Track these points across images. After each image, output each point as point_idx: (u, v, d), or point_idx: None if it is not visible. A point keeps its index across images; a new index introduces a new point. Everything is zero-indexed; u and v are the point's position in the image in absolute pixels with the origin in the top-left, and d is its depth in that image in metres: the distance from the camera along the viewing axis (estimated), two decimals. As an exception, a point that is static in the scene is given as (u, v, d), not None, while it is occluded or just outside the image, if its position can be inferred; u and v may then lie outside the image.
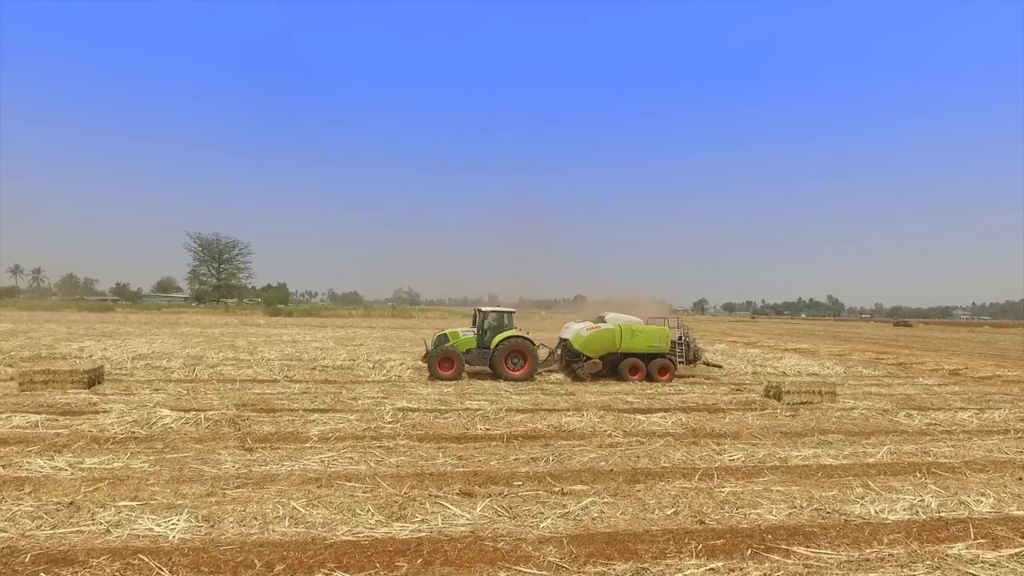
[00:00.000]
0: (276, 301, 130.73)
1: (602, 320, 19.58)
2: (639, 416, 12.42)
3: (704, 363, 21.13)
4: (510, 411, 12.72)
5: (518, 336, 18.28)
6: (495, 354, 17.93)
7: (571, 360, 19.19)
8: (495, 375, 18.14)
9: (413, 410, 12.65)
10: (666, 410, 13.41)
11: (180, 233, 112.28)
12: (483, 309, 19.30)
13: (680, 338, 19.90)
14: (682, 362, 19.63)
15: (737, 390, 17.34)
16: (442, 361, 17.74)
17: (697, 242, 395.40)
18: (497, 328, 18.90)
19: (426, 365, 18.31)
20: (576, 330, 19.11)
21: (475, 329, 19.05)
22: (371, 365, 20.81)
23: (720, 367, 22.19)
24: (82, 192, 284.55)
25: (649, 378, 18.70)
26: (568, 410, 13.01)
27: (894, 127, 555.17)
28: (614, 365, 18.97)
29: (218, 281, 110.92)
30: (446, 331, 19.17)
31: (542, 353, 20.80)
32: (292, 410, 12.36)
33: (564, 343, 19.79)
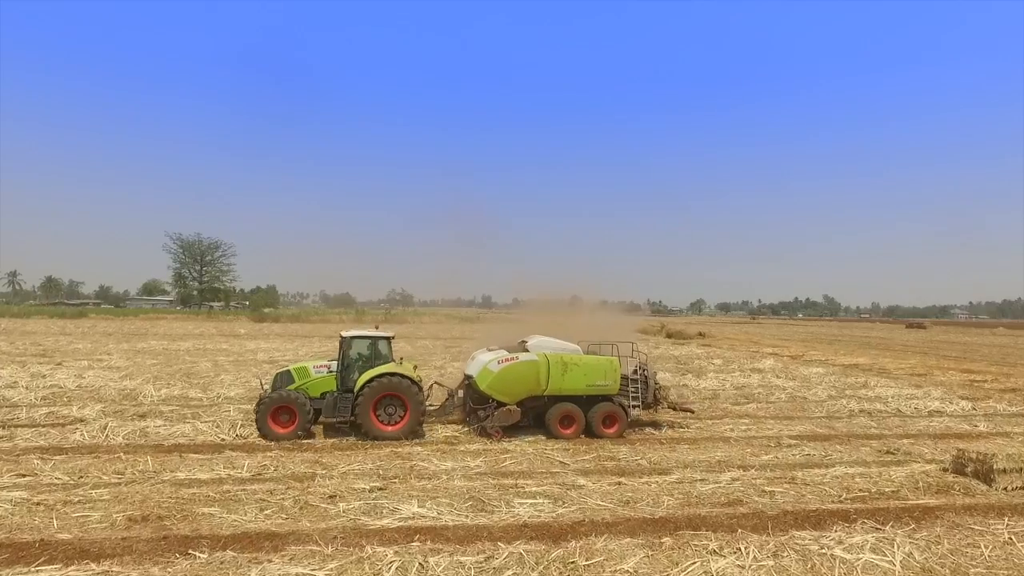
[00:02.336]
0: (263, 304, 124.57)
1: (523, 348, 13.90)
2: (825, 540, 7.13)
3: (671, 407, 14.78)
4: (605, 533, 7.38)
5: (394, 374, 12.43)
6: (359, 400, 12.19)
7: (477, 407, 13.43)
8: (361, 431, 12.32)
9: (433, 532, 7.31)
10: (844, 516, 8.15)
11: (177, 232, 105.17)
12: (346, 334, 13.37)
13: (636, 371, 14.22)
14: (636, 407, 13.82)
15: (888, 454, 12.10)
16: (276, 412, 12.07)
17: (692, 242, 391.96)
18: (366, 361, 13.13)
19: (274, 417, 12.29)
20: (483, 363, 13.26)
21: (335, 363, 13.16)
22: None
23: (692, 412, 15.40)
24: (70, 192, 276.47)
25: (588, 432, 13.02)
26: (696, 528, 7.66)
27: (888, 125, 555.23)
28: (539, 413, 13.32)
29: (200, 284, 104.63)
30: (291, 367, 13.18)
31: (437, 396, 15.18)
32: (219, 539, 6.98)
33: (469, 381, 13.93)
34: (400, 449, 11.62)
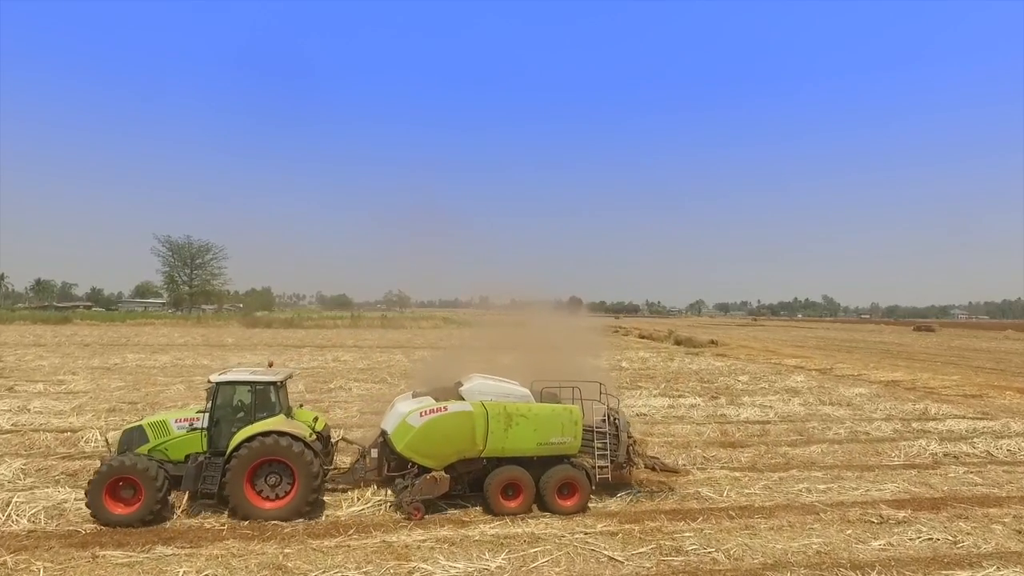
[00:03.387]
0: (258, 307, 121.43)
1: (456, 393, 10.78)
2: None
3: (650, 467, 11.33)
4: None
5: (277, 433, 9.38)
6: (231, 469, 9.19)
7: (395, 473, 10.26)
8: (232, 509, 9.30)
9: None
10: None
11: (166, 234, 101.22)
12: (217, 378, 10.18)
13: (606, 419, 11.00)
14: (604, 468, 10.56)
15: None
16: (115, 486, 8.97)
17: (690, 242, 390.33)
18: (248, 414, 10.09)
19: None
20: (402, 415, 10.12)
21: (204, 416, 9.98)
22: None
23: (678, 472, 11.94)
24: (65, 193, 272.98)
25: (540, 503, 10.12)
26: None
27: (887, 125, 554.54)
28: (477, 479, 10.28)
29: (191, 288, 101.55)
30: (144, 421, 10.04)
31: (340, 452, 12.18)
32: None
33: (384, 438, 10.52)
34: (392, 537, 8.75)
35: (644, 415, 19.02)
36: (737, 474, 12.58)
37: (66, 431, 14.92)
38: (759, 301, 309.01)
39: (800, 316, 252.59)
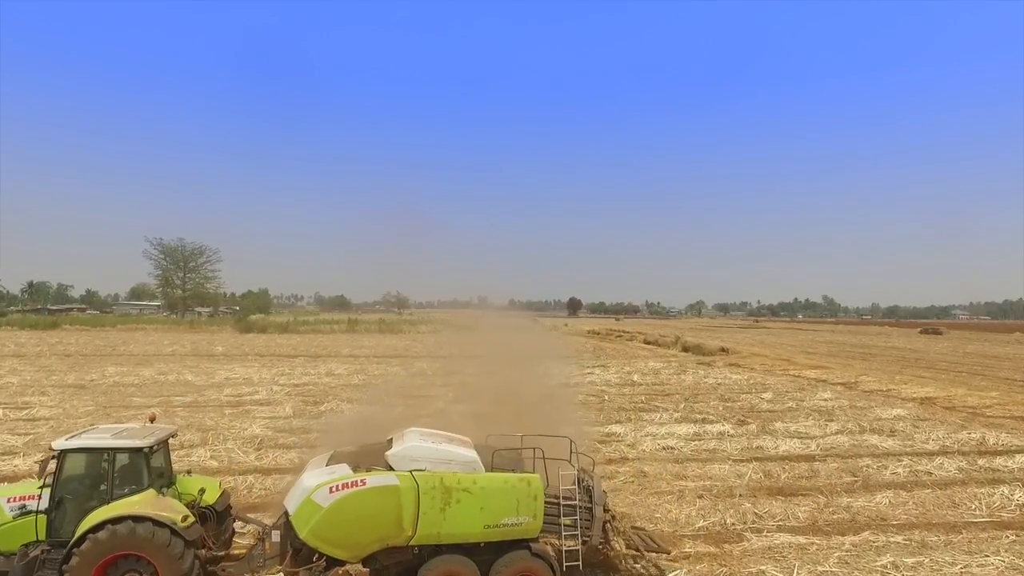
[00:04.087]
0: (254, 309, 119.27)
1: (383, 459, 8.01)
2: None
3: (633, 547, 8.82)
4: None
5: (135, 518, 7.18)
6: (72, 568, 6.98)
7: (301, 566, 7.65)
8: None
9: None
10: None
11: (163, 236, 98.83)
12: (61, 445, 7.73)
13: (577, 485, 8.64)
14: (572, 549, 8.12)
15: None
16: None
17: (689, 242, 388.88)
18: (103, 488, 7.75)
19: None
20: (307, 490, 7.57)
21: (43, 495, 7.77)
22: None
23: (669, 552, 9.39)
24: (62, 193, 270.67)
25: None
26: None
27: (886, 125, 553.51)
28: (409, 569, 7.86)
29: (184, 292, 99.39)
30: None
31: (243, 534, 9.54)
32: None
33: (287, 521, 7.89)
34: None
35: (672, 449, 16.94)
36: (801, 539, 10.47)
37: (4, 480, 12.79)
38: (759, 301, 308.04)
39: (800, 317, 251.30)
